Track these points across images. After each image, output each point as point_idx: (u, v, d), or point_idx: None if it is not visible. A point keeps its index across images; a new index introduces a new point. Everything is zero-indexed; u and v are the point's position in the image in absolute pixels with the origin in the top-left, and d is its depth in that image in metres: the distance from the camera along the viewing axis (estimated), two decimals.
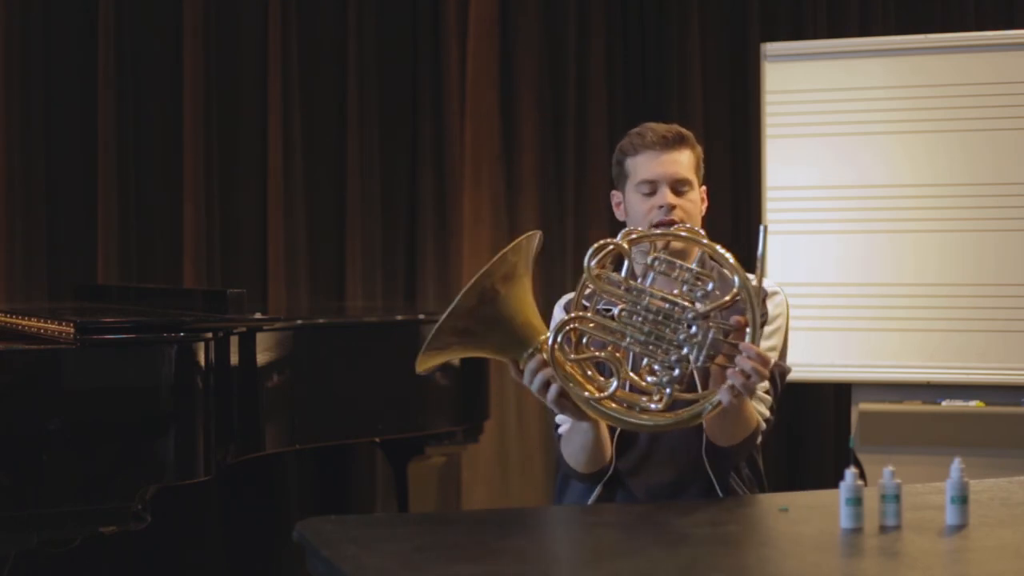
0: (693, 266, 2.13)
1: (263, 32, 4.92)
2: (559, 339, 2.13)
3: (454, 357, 2.22)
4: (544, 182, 5.24)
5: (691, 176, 2.50)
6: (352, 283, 5.02)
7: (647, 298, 2.12)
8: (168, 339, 3.00)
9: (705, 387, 2.26)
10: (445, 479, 4.77)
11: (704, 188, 2.56)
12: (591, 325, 2.14)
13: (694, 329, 2.09)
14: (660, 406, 2.12)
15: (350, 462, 4.89)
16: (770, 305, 2.49)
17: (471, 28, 5.15)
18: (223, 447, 3.12)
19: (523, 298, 2.16)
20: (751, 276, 2.14)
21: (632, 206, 2.50)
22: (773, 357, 2.44)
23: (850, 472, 1.84)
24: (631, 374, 2.15)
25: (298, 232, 4.95)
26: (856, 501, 1.83)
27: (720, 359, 2.12)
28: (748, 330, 2.11)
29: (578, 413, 2.20)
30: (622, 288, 2.13)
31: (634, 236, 2.17)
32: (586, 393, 2.13)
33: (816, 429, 5.21)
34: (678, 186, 2.48)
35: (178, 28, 4.80)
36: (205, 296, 3.63)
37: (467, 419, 4.08)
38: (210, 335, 3.08)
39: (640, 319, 2.11)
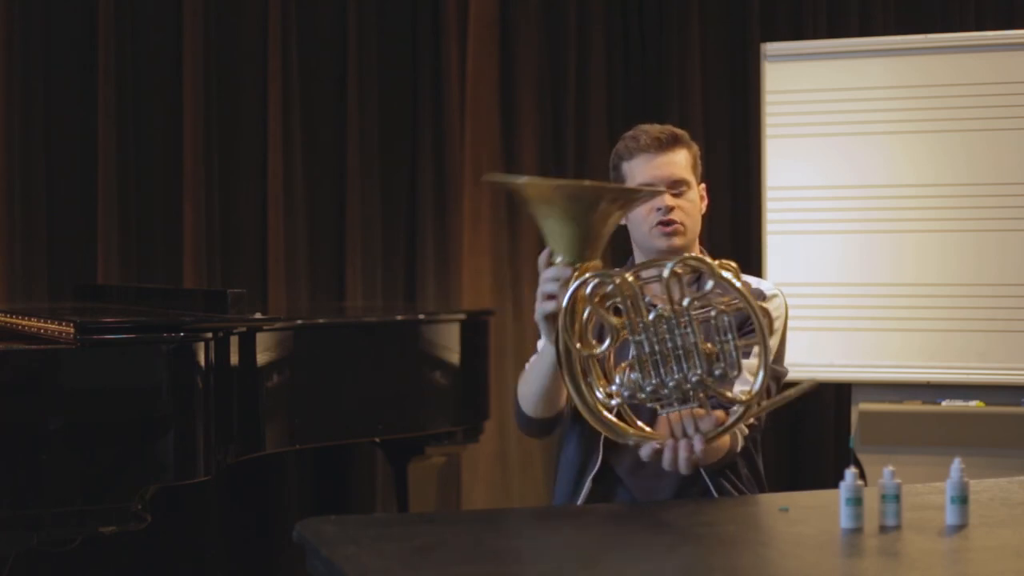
0: (737, 343, 2.07)
1: (263, 32, 4.92)
2: (597, 279, 2.08)
3: (520, 197, 2.15)
4: None
5: (688, 176, 2.50)
6: (352, 283, 5.02)
7: (689, 330, 2.05)
8: (168, 339, 3.00)
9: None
10: (445, 479, 4.76)
11: (703, 186, 2.55)
12: (630, 294, 2.07)
13: (688, 387, 2.06)
14: (607, 401, 2.09)
15: (350, 462, 4.89)
16: (768, 308, 2.48)
17: (471, 28, 5.15)
18: (223, 447, 3.12)
19: (606, 229, 2.12)
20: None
21: (632, 210, 2.50)
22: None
23: (850, 472, 1.84)
24: (613, 359, 2.12)
25: (298, 232, 4.95)
26: (856, 501, 1.83)
27: (675, 416, 2.10)
28: (716, 428, 2.10)
29: (551, 337, 2.16)
30: (684, 301, 2.06)
31: (730, 267, 2.10)
32: (572, 342, 2.08)
33: (816, 429, 5.21)
34: (675, 187, 2.47)
35: (178, 28, 4.80)
36: (205, 296, 3.63)
37: (467, 419, 4.09)
38: (210, 335, 3.08)
39: (668, 336, 2.06)
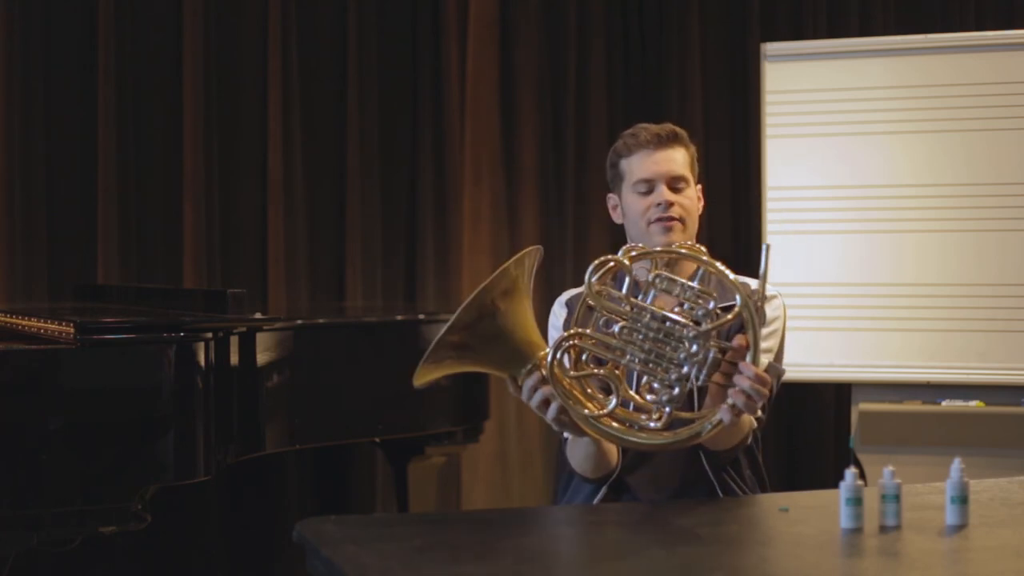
0: (695, 284, 2.10)
1: (263, 32, 4.92)
2: (558, 356, 2.11)
3: (452, 371, 2.19)
4: (544, 182, 5.24)
5: (686, 173, 2.50)
6: (352, 283, 5.02)
7: (648, 316, 2.09)
8: (168, 339, 3.00)
9: (701, 404, 2.24)
10: (445, 479, 4.76)
11: (700, 187, 2.56)
12: (591, 342, 2.11)
13: (695, 348, 2.07)
14: (659, 424, 2.11)
15: (350, 462, 4.89)
16: (768, 309, 2.49)
17: (471, 28, 5.15)
18: (223, 447, 3.12)
19: (522, 314, 2.14)
20: (753, 287, 2.13)
21: (629, 207, 2.50)
22: (768, 359, 2.45)
23: (850, 472, 1.84)
24: (631, 392, 2.13)
25: (298, 232, 4.95)
26: (856, 501, 1.83)
27: (718, 378, 2.10)
28: (749, 351, 2.10)
29: (577, 430, 2.19)
30: (623, 305, 2.10)
31: (635, 253, 2.14)
32: (585, 411, 2.11)
33: (816, 429, 5.21)
34: (674, 183, 2.48)
35: (178, 28, 4.80)
36: (205, 296, 3.63)
37: (467, 419, 4.08)
38: (210, 335, 3.08)
39: (641, 336, 2.09)
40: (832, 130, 4.49)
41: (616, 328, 2.10)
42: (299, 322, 3.55)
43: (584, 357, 2.13)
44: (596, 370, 2.13)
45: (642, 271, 2.19)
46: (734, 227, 5.20)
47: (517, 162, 5.23)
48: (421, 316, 4.07)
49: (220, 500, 4.63)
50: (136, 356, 2.98)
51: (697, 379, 2.09)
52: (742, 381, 2.08)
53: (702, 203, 2.56)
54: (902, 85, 4.44)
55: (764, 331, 2.44)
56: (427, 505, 4.11)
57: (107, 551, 4.18)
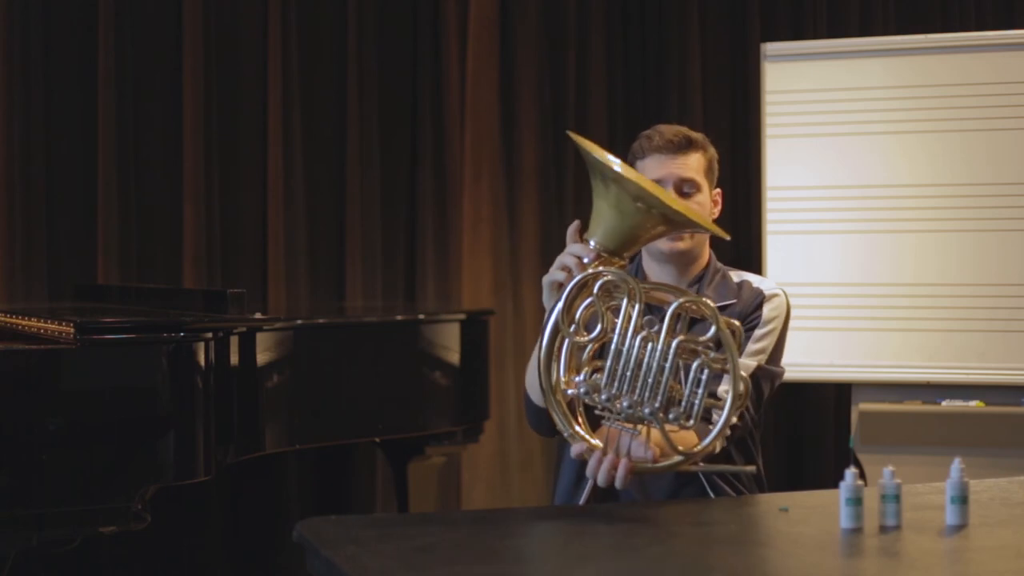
0: (705, 400, 2.03)
1: (263, 31, 4.93)
2: (611, 276, 2.08)
3: (589, 166, 2.19)
4: (544, 182, 5.24)
5: (698, 178, 2.50)
6: (352, 283, 5.02)
7: (667, 365, 2.03)
8: (168, 339, 3.00)
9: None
10: (445, 479, 4.77)
11: (718, 191, 2.56)
12: (633, 303, 2.05)
13: (645, 413, 2.03)
14: (564, 388, 2.09)
15: (350, 462, 4.90)
16: (766, 308, 2.49)
17: (471, 28, 5.15)
18: (223, 447, 3.12)
19: (646, 237, 2.16)
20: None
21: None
22: (761, 360, 2.44)
23: (850, 472, 1.84)
24: (592, 353, 2.10)
25: (298, 232, 4.95)
26: (856, 501, 1.83)
27: (613, 433, 2.09)
28: (648, 459, 2.07)
29: (552, 299, 2.15)
30: (675, 340, 2.03)
31: (733, 326, 2.06)
32: (563, 321, 2.08)
33: (816, 429, 5.21)
34: (683, 186, 2.49)
35: (178, 28, 4.81)
36: (205, 296, 3.63)
37: (467, 419, 4.09)
38: (210, 335, 3.08)
39: (645, 361, 2.04)
40: (832, 130, 4.48)
41: (642, 335, 2.07)
42: (299, 322, 3.55)
43: (614, 301, 2.08)
44: (608, 314, 2.08)
45: (700, 329, 2.11)
46: (734, 227, 5.19)
47: (517, 162, 5.23)
48: (421, 316, 4.07)
49: (220, 500, 4.63)
50: (136, 356, 2.98)
51: (609, 418, 2.06)
52: (606, 461, 2.07)
53: (719, 208, 2.56)
54: (902, 85, 4.44)
55: (759, 332, 2.45)
56: (427, 505, 4.11)
57: (107, 551, 4.18)
